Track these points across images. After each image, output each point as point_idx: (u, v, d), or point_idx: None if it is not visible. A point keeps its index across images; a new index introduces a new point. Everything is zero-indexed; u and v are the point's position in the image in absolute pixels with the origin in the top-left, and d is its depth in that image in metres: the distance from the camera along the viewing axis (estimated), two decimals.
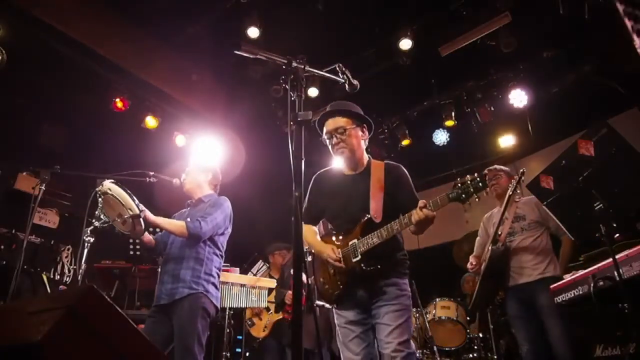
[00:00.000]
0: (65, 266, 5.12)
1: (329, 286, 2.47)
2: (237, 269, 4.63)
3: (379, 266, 2.31)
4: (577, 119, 5.16)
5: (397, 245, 2.47)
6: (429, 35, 5.49)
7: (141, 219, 2.75)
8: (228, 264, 4.05)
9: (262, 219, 6.76)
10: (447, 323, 4.82)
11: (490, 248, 3.54)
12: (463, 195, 2.10)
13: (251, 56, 1.81)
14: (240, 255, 5.60)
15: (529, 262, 3.46)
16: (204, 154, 5.58)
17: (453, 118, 6.32)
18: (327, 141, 2.56)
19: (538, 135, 6.13)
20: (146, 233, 2.99)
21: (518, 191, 3.52)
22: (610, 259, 2.27)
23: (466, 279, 5.56)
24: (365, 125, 2.61)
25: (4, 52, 4.48)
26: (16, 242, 4.48)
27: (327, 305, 2.69)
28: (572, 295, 2.68)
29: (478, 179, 2.08)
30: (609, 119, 3.63)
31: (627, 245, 2.38)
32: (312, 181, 2.71)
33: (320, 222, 2.71)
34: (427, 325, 4.62)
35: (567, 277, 2.81)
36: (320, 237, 2.60)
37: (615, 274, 2.22)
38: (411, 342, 2.28)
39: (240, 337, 5.58)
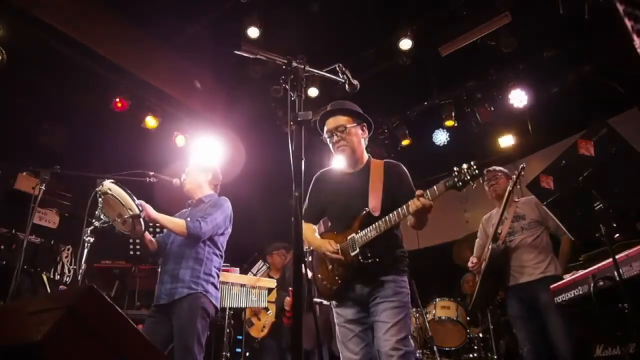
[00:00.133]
0: (65, 266, 5.12)
1: (327, 282, 2.48)
2: (237, 269, 4.63)
3: (377, 259, 2.31)
4: (577, 119, 5.16)
5: (396, 241, 2.48)
6: (429, 35, 5.49)
7: (141, 219, 2.75)
8: (228, 264, 4.05)
9: (262, 219, 6.76)
10: (447, 323, 4.82)
11: (490, 247, 3.54)
12: (460, 183, 2.11)
13: (251, 56, 1.81)
14: (240, 255, 5.60)
15: (530, 261, 3.46)
16: (204, 154, 5.58)
17: (453, 118, 6.32)
18: (328, 140, 2.60)
19: (538, 135, 6.13)
20: (148, 235, 3.00)
21: (518, 186, 3.52)
22: (610, 259, 2.27)
23: (466, 279, 5.57)
24: (365, 124, 2.65)
25: (4, 52, 4.48)
26: (16, 242, 4.48)
27: (326, 302, 2.69)
28: (572, 295, 2.68)
29: (474, 166, 2.10)
30: (609, 119, 3.64)
31: (627, 245, 2.38)
32: (312, 181, 2.74)
33: (321, 221, 2.72)
34: (427, 325, 4.62)
35: (567, 277, 2.81)
36: (320, 235, 2.61)
37: (615, 274, 2.22)
38: (410, 339, 2.27)
39: (240, 337, 5.58)
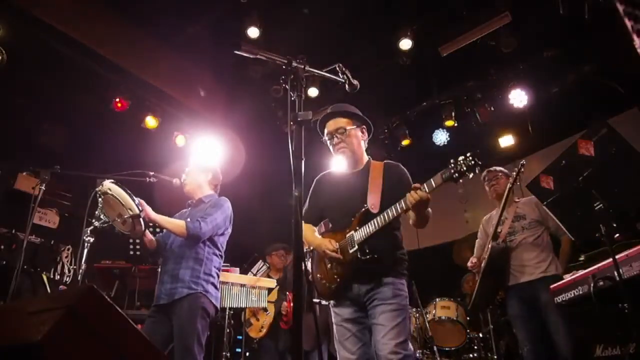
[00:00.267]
0: (65, 266, 5.12)
1: (326, 281, 2.48)
2: (237, 269, 4.63)
3: (375, 255, 2.30)
4: (577, 119, 5.16)
5: (395, 242, 2.48)
6: (429, 35, 5.49)
7: (141, 219, 2.75)
8: (228, 264, 4.06)
9: (262, 219, 6.76)
10: (447, 323, 4.82)
11: (489, 245, 3.54)
12: (456, 174, 2.10)
13: (251, 56, 1.81)
14: (240, 256, 5.60)
15: (530, 261, 3.45)
16: (204, 154, 5.58)
17: (453, 118, 6.33)
18: (328, 142, 2.63)
19: (538, 135, 6.13)
20: (148, 234, 2.99)
21: (518, 183, 3.52)
22: (610, 259, 2.27)
23: (466, 279, 5.56)
24: (364, 126, 2.68)
25: (4, 52, 4.48)
26: (16, 242, 4.48)
27: (324, 302, 2.69)
28: (572, 295, 2.68)
29: (470, 157, 2.08)
30: (609, 119, 3.64)
31: (627, 245, 2.38)
32: (313, 183, 2.76)
33: (322, 223, 2.73)
34: (427, 325, 4.62)
35: (567, 277, 2.81)
36: (320, 235, 2.61)
37: (615, 274, 2.22)
38: (409, 343, 2.26)
39: (240, 337, 5.58)
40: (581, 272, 2.66)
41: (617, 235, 2.47)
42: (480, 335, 4.71)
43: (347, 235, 2.40)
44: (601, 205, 2.30)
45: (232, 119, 6.72)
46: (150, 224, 2.99)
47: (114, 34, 5.38)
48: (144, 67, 5.70)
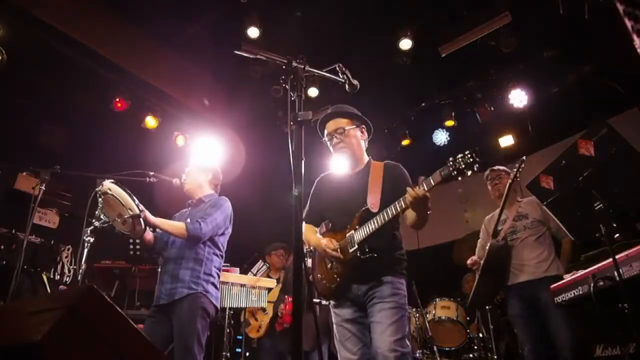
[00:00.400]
0: (65, 266, 5.12)
1: (327, 280, 2.48)
2: (237, 269, 4.63)
3: (374, 254, 2.31)
4: (577, 119, 5.16)
5: (395, 242, 2.49)
6: (429, 35, 5.49)
7: (141, 219, 2.75)
8: (228, 264, 4.05)
9: (262, 219, 6.75)
10: (447, 323, 4.82)
11: (489, 243, 3.53)
12: (454, 172, 2.10)
13: (251, 56, 1.81)
14: (240, 255, 5.60)
15: (531, 260, 3.45)
16: (204, 154, 5.57)
17: (453, 118, 6.33)
18: (328, 142, 2.63)
19: (538, 135, 6.13)
20: (148, 233, 3.00)
21: (517, 179, 3.51)
22: (610, 259, 2.27)
23: (467, 279, 5.57)
24: (364, 126, 2.68)
25: (4, 52, 4.48)
26: (16, 242, 4.48)
27: (325, 302, 2.69)
28: (572, 295, 2.68)
29: (469, 155, 2.08)
30: (609, 119, 3.64)
31: (627, 245, 2.38)
32: (314, 184, 2.77)
33: (323, 224, 2.73)
34: (427, 325, 4.62)
35: (567, 277, 2.81)
36: (321, 235, 2.61)
37: (615, 274, 2.22)
38: (407, 341, 2.25)
39: (240, 337, 5.58)
40: (581, 272, 2.66)
41: (617, 235, 2.47)
42: (481, 335, 4.71)
43: (347, 235, 2.40)
44: (601, 205, 2.30)
45: (232, 119, 6.72)
46: (151, 229, 2.99)
47: (114, 34, 5.38)
48: (144, 67, 5.70)
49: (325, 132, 2.65)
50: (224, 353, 4.37)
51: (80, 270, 2.76)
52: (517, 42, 5.23)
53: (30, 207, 3.06)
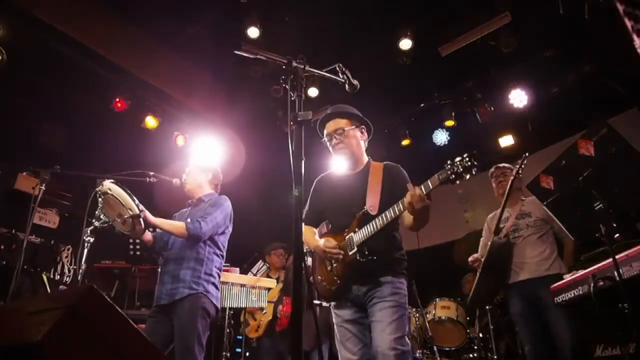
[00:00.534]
0: (65, 266, 5.12)
1: (327, 283, 2.49)
2: (237, 269, 4.63)
3: (374, 257, 2.31)
4: (577, 119, 5.16)
5: (395, 242, 2.48)
6: (429, 35, 5.49)
7: (141, 219, 2.75)
8: (228, 264, 4.05)
9: (262, 219, 6.76)
10: (447, 323, 4.82)
11: (491, 240, 3.52)
12: (452, 176, 2.08)
13: (251, 56, 1.80)
14: (240, 255, 5.60)
15: (533, 258, 3.43)
16: (204, 154, 5.57)
17: (453, 118, 6.33)
18: (328, 143, 2.63)
19: (538, 135, 6.13)
20: (148, 234, 3.00)
21: (520, 175, 3.50)
22: (610, 259, 2.27)
23: (467, 279, 5.56)
24: (364, 126, 2.67)
25: (4, 52, 4.48)
26: (16, 242, 4.48)
27: (325, 304, 2.69)
28: (572, 295, 2.68)
29: (467, 158, 2.07)
30: (609, 119, 3.64)
31: (627, 245, 2.38)
32: (313, 185, 2.76)
33: (322, 224, 2.73)
34: (427, 325, 4.62)
35: (567, 277, 2.81)
36: (320, 237, 2.61)
37: (615, 274, 2.22)
38: (406, 339, 2.26)
39: (240, 337, 5.58)
40: (581, 272, 2.66)
41: (617, 235, 2.47)
42: (480, 335, 4.70)
43: (347, 237, 2.41)
44: (601, 205, 2.30)
45: (232, 119, 6.72)
46: (151, 229, 2.99)
47: (114, 34, 5.38)
48: (144, 67, 5.70)
49: (325, 132, 2.64)
50: (224, 353, 4.37)
51: (80, 270, 2.76)
52: (517, 42, 5.23)
53: (30, 207, 3.06)
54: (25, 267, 4.31)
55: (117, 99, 5.64)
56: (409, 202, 2.14)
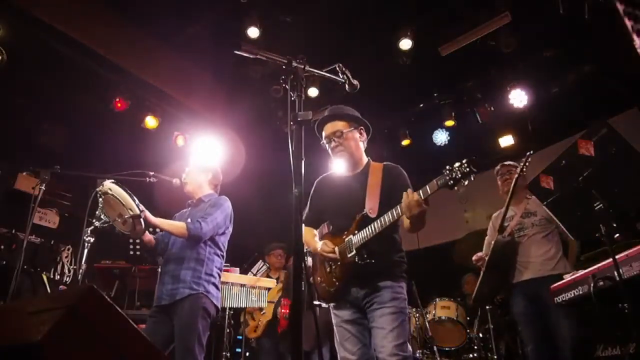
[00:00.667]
0: (65, 266, 5.13)
1: (326, 284, 2.49)
2: (237, 269, 4.63)
3: (373, 261, 2.31)
4: (577, 119, 5.16)
5: (394, 245, 2.48)
6: (429, 35, 5.49)
7: (141, 219, 2.75)
8: (228, 264, 4.05)
9: (262, 219, 6.76)
10: (447, 323, 4.82)
11: (495, 239, 3.51)
12: (451, 182, 2.09)
13: (251, 56, 1.80)
14: (240, 255, 5.60)
15: (537, 257, 3.42)
16: (204, 154, 5.57)
17: (453, 118, 6.33)
18: (327, 145, 2.62)
19: (538, 135, 6.13)
20: (146, 232, 3.00)
21: (524, 173, 3.49)
22: (610, 259, 2.27)
23: (467, 279, 5.57)
24: (362, 127, 2.66)
25: (4, 52, 4.48)
26: (16, 242, 4.48)
27: (325, 305, 2.69)
28: (572, 295, 2.67)
29: (466, 164, 2.07)
30: (609, 119, 3.64)
31: (627, 245, 2.38)
32: (313, 186, 2.76)
33: (324, 225, 2.73)
34: (427, 325, 4.62)
35: (567, 277, 2.80)
36: (320, 239, 2.61)
37: (615, 274, 2.22)
38: (408, 345, 2.27)
39: (240, 337, 5.58)
40: (581, 272, 2.66)
41: (617, 235, 2.47)
42: (480, 335, 4.70)
43: (346, 240, 2.40)
44: (601, 205, 2.30)
45: (232, 119, 6.71)
46: (152, 229, 2.99)
47: (114, 34, 5.38)
48: (144, 67, 5.70)
49: (323, 134, 2.63)
50: (224, 353, 4.37)
51: (80, 270, 2.76)
52: (517, 42, 5.22)
53: (30, 207, 3.05)
54: (25, 267, 4.31)
55: (117, 99, 5.64)
56: (407, 207, 2.15)
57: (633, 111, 5.44)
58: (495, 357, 4.40)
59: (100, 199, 2.79)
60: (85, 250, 2.77)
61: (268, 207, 6.86)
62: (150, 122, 5.98)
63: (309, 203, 2.73)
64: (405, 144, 6.69)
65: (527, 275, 3.43)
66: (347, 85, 2.06)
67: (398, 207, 2.22)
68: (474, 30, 5.30)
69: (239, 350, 5.77)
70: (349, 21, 5.40)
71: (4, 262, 4.28)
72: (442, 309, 4.85)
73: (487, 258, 3.54)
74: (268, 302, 4.92)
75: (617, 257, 2.26)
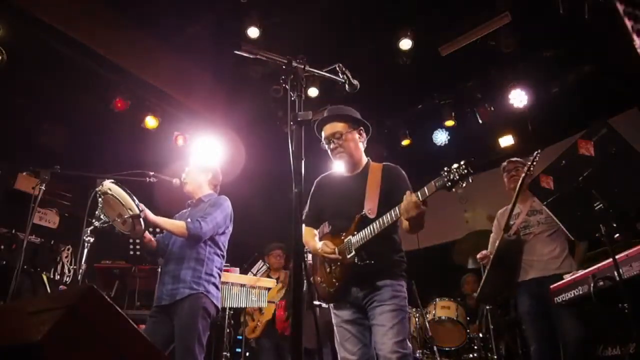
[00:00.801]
0: (65, 266, 5.13)
1: (326, 284, 2.49)
2: (237, 269, 4.63)
3: (372, 261, 2.31)
4: (577, 119, 5.16)
5: (393, 245, 2.48)
6: (429, 35, 5.49)
7: (141, 219, 2.75)
8: (228, 264, 4.05)
9: (262, 219, 6.75)
10: (447, 323, 4.82)
11: (500, 237, 3.50)
12: (449, 183, 2.09)
13: (251, 56, 1.80)
14: (240, 255, 5.60)
15: (543, 256, 3.40)
16: (204, 154, 5.57)
17: (453, 118, 6.33)
18: (326, 146, 2.62)
19: (538, 135, 6.13)
20: (147, 233, 2.99)
21: (531, 172, 3.47)
22: (610, 259, 2.27)
23: (467, 279, 5.57)
24: (362, 127, 2.65)
25: (4, 52, 4.48)
26: (16, 242, 4.48)
27: (325, 305, 2.70)
28: (572, 295, 2.68)
29: (464, 166, 2.07)
30: (609, 119, 3.64)
31: (627, 245, 2.38)
32: (313, 186, 2.76)
33: (324, 225, 2.73)
34: (427, 325, 4.62)
35: (567, 277, 2.81)
36: (320, 239, 2.61)
37: (615, 274, 2.22)
38: (408, 342, 2.27)
39: (240, 337, 5.58)
40: (581, 272, 2.66)
41: (617, 235, 2.47)
42: (480, 335, 4.70)
43: (345, 240, 2.41)
44: (601, 205, 2.30)
45: (232, 119, 6.71)
46: (151, 227, 2.99)
47: (114, 34, 5.38)
48: (144, 67, 5.70)
49: (323, 135, 2.62)
50: (224, 353, 4.36)
51: (80, 270, 2.76)
52: (517, 42, 5.22)
53: (30, 207, 3.05)
54: (25, 267, 4.31)
55: (117, 99, 5.64)
56: (405, 209, 2.15)
57: (633, 111, 5.44)
58: (495, 357, 4.39)
59: (100, 199, 2.79)
60: (85, 250, 2.76)
61: (268, 207, 6.86)
62: (150, 122, 5.98)
63: (308, 203, 2.73)
64: (405, 144, 6.69)
65: (533, 274, 3.41)
66: (347, 85, 2.06)
67: (397, 208, 2.23)
68: (474, 30, 5.30)
69: (239, 350, 5.77)
70: (349, 21, 5.40)
71: (4, 262, 4.28)
72: (442, 309, 4.85)
73: (492, 256, 3.52)
74: (268, 302, 4.93)
75: (617, 257, 2.26)
